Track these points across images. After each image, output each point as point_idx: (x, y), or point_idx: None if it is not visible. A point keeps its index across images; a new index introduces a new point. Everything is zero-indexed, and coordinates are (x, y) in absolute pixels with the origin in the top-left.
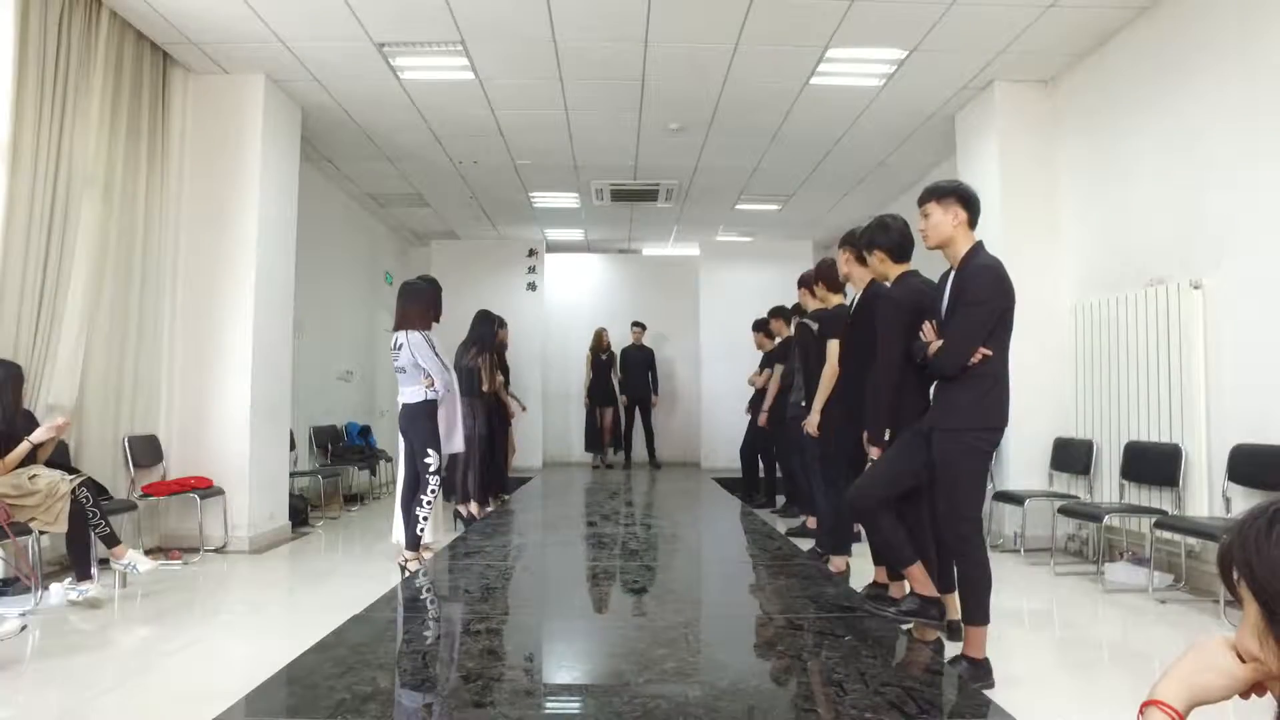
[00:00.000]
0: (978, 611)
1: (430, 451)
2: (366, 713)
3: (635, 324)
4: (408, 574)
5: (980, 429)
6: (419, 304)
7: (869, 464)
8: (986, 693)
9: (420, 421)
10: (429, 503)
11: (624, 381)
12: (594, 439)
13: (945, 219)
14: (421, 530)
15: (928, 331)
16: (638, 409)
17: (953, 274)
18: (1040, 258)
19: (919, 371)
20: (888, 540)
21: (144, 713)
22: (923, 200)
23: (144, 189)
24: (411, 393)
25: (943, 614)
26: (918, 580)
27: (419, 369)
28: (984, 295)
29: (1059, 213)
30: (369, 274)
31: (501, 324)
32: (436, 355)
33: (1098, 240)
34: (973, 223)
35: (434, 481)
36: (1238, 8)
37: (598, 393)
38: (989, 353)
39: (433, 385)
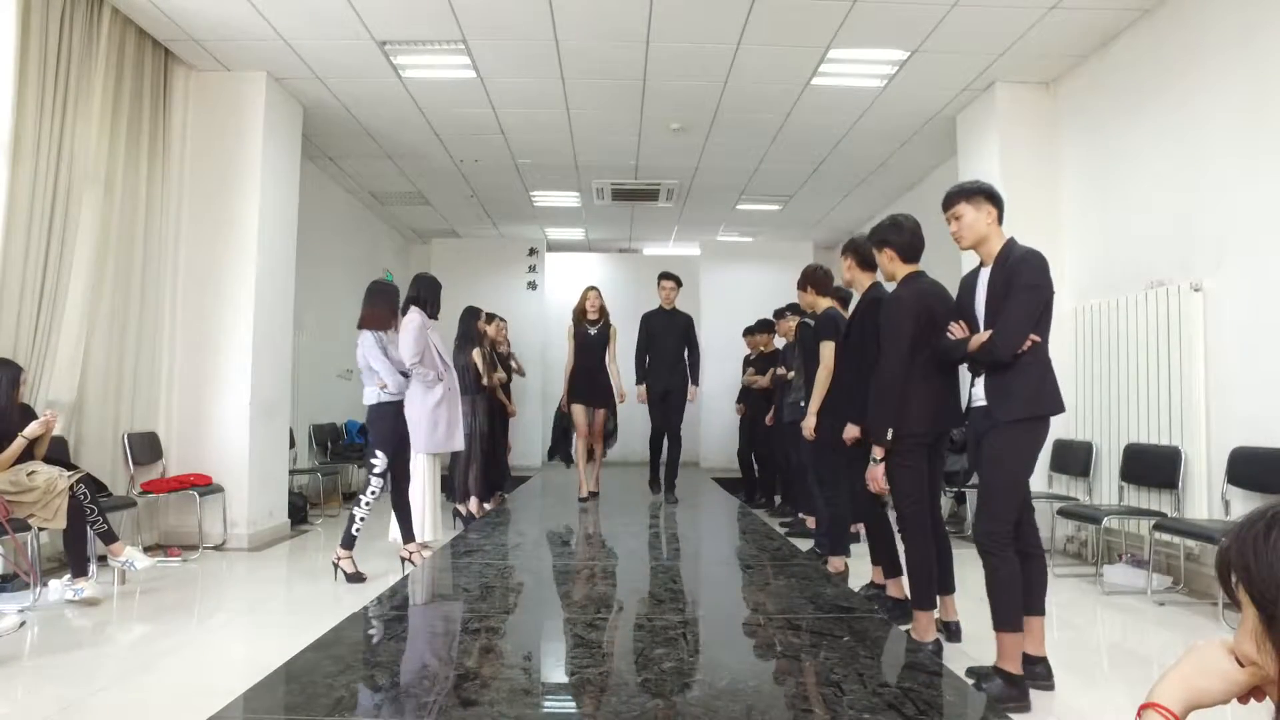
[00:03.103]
0: (1008, 617)
1: (378, 453)
2: (365, 711)
3: (664, 276)
4: (342, 574)
5: (1041, 417)
6: (375, 304)
7: (871, 464)
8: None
9: (375, 423)
10: (367, 504)
11: (649, 364)
12: (561, 442)
13: (979, 217)
14: (356, 531)
15: (956, 330)
16: (667, 409)
17: (987, 269)
18: None
19: (925, 372)
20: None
21: (142, 709)
22: (951, 202)
23: (145, 186)
24: (369, 394)
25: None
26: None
27: (372, 370)
28: (1038, 279)
29: (1060, 215)
30: (369, 272)
31: (489, 318)
32: (386, 356)
33: (1098, 242)
34: (1001, 219)
35: (375, 484)
36: (1238, 10)
37: (583, 384)
38: (1038, 339)
39: (385, 387)
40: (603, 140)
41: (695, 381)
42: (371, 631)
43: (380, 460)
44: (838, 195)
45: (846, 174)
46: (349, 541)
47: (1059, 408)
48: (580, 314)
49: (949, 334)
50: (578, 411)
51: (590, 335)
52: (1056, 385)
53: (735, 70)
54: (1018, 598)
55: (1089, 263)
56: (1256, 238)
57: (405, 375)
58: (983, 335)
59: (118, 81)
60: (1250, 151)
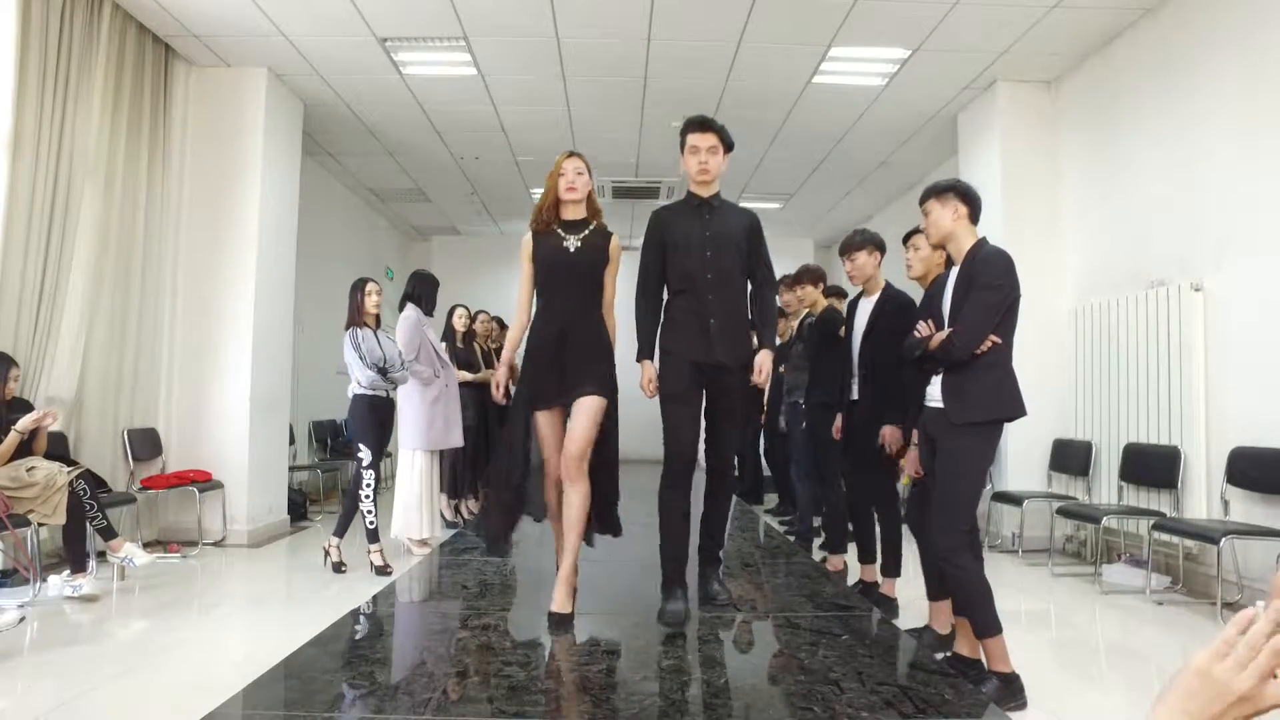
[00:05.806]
0: (987, 623)
1: (362, 446)
2: (364, 707)
3: (694, 125)
4: (374, 567)
5: (996, 421)
6: (350, 302)
7: (911, 447)
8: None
9: (352, 417)
10: (368, 496)
11: (668, 315)
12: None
13: (945, 214)
14: (373, 524)
15: (921, 329)
16: (714, 407)
17: (956, 268)
18: (1041, 259)
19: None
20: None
21: (141, 706)
22: (923, 200)
23: (145, 182)
24: (350, 388)
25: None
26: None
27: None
28: (998, 280)
29: (1060, 214)
30: (370, 269)
31: (472, 315)
32: (360, 352)
33: (1099, 241)
34: (974, 218)
35: (367, 475)
36: (1239, 10)
37: (548, 356)
38: (998, 340)
39: (357, 382)
40: (603, 138)
41: (770, 343)
42: (371, 628)
43: (365, 453)
44: (839, 194)
45: (847, 172)
46: (372, 536)
47: (1018, 412)
48: (550, 209)
49: (915, 332)
50: (540, 423)
51: (569, 254)
52: (1017, 388)
53: (736, 68)
54: (990, 600)
55: (1089, 263)
56: (1256, 238)
57: (383, 372)
58: (942, 334)
59: (118, 77)
60: (1251, 151)
